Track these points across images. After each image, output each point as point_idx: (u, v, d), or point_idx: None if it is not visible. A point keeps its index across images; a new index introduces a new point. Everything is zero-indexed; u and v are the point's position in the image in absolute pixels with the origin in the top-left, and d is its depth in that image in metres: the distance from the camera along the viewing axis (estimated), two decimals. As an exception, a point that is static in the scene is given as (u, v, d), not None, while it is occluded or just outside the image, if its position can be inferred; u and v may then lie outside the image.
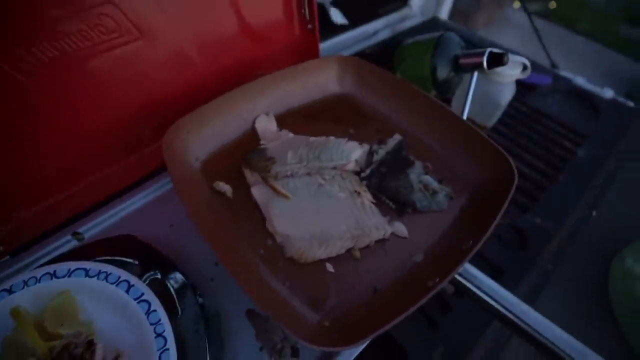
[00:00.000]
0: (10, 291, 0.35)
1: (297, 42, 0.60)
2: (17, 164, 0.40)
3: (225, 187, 0.45)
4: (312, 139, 0.51)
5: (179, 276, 0.39)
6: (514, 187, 0.41)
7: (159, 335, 0.33)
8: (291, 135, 0.52)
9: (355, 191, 0.46)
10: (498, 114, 0.65)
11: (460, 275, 0.40)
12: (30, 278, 0.36)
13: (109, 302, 0.36)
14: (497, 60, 0.54)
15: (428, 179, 0.47)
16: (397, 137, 0.51)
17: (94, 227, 0.47)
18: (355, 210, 0.44)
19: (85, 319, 0.35)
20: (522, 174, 0.66)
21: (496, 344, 0.47)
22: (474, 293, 0.40)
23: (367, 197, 0.46)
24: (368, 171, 0.47)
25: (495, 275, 0.53)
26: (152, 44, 0.44)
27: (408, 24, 0.95)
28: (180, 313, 0.37)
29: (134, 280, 0.36)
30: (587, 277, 0.69)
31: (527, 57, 0.61)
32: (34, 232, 0.44)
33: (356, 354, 0.37)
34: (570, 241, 0.59)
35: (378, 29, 0.90)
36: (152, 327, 0.34)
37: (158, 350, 0.32)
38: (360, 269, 0.40)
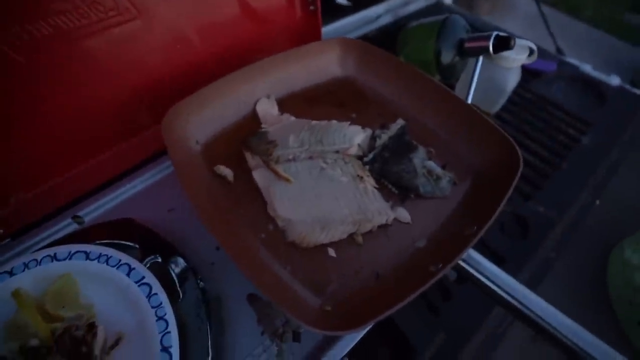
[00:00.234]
0: (11, 273, 0.35)
1: (298, 24, 0.59)
2: (14, 146, 0.39)
3: (226, 171, 0.45)
4: (314, 122, 0.50)
5: (180, 260, 0.38)
6: (519, 173, 0.41)
7: (160, 318, 0.33)
8: (293, 118, 0.51)
9: (358, 175, 0.45)
10: (502, 100, 0.64)
11: (463, 261, 0.40)
12: (31, 260, 0.36)
13: (110, 285, 0.35)
14: (503, 44, 0.53)
15: (431, 164, 0.46)
16: (400, 122, 0.50)
17: (94, 211, 0.46)
18: (358, 195, 0.43)
19: (86, 302, 0.35)
20: (526, 161, 0.65)
21: (496, 330, 0.47)
22: (477, 279, 0.40)
23: (370, 181, 0.45)
24: (371, 155, 0.47)
25: (497, 262, 0.52)
26: (150, 23, 0.43)
27: (411, 8, 0.93)
28: (181, 297, 0.37)
29: (134, 263, 0.36)
30: (588, 265, 0.69)
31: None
32: (34, 216, 0.44)
33: (358, 339, 0.38)
34: (572, 230, 0.59)
35: (380, 13, 0.88)
36: (153, 310, 0.34)
37: (159, 333, 0.32)
38: (362, 254, 0.40)
